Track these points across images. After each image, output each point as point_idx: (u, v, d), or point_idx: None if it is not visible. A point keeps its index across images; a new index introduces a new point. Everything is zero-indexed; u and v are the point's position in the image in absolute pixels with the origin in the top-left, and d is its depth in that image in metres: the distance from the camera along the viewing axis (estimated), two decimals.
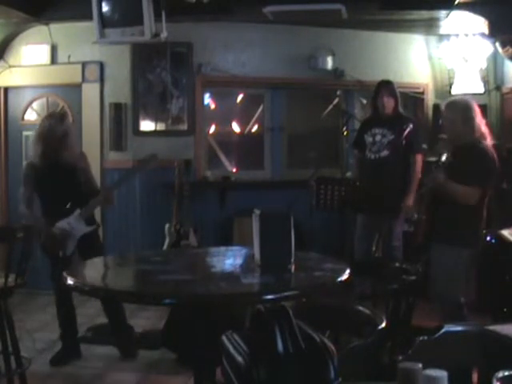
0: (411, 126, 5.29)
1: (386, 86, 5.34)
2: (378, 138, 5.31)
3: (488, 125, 4.05)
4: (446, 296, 3.95)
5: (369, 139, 5.36)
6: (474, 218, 3.96)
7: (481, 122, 3.97)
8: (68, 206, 4.29)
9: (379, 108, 5.35)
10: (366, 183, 5.25)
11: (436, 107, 6.35)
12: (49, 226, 4.25)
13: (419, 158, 5.25)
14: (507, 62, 6.14)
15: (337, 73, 6.54)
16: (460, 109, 3.99)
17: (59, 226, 4.25)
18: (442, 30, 6.36)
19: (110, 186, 4.95)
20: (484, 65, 6.51)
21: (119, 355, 4.53)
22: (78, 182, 4.37)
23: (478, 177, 3.86)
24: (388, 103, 5.29)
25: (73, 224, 4.26)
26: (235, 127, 6.88)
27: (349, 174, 6.11)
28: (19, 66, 6.41)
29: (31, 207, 4.36)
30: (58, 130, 4.29)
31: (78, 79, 6.33)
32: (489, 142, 4.00)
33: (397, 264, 3.35)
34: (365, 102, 6.53)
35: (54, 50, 6.35)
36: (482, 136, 3.96)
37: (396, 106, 5.34)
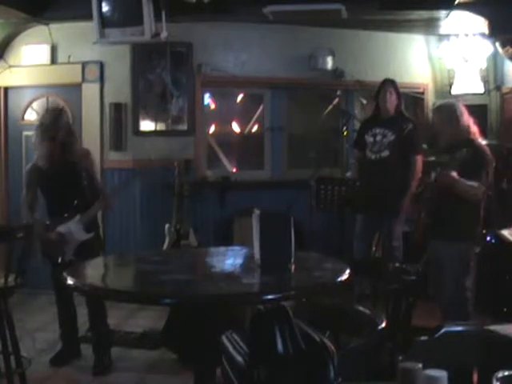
0: (411, 126, 5.29)
1: (390, 83, 5.33)
2: (379, 138, 5.30)
3: (477, 124, 4.10)
4: (451, 294, 3.96)
5: (369, 139, 5.35)
6: (474, 214, 4.02)
7: (469, 121, 4.03)
8: (71, 209, 4.23)
9: (381, 105, 5.33)
10: (366, 183, 5.25)
11: None
12: (47, 231, 4.19)
13: (419, 158, 5.24)
14: (507, 62, 6.14)
15: (337, 73, 6.53)
16: (446, 110, 4.13)
17: (59, 230, 4.21)
18: (442, 30, 6.36)
19: (110, 191, 4.91)
20: (484, 65, 6.51)
21: (119, 354, 4.53)
22: (81, 183, 4.30)
23: (482, 173, 3.93)
24: (391, 98, 5.26)
25: (72, 230, 4.20)
26: (235, 127, 6.87)
27: (349, 174, 6.11)
28: (19, 66, 6.41)
29: (33, 210, 4.32)
30: (60, 122, 4.22)
31: (78, 79, 6.33)
32: (481, 140, 4.08)
33: (397, 264, 3.35)
34: (365, 102, 6.53)
35: (54, 50, 6.35)
36: (475, 135, 4.03)
37: (398, 105, 5.33)
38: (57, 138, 4.19)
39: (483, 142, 4.11)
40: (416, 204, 4.44)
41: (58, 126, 4.21)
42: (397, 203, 5.13)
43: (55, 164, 4.23)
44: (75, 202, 4.26)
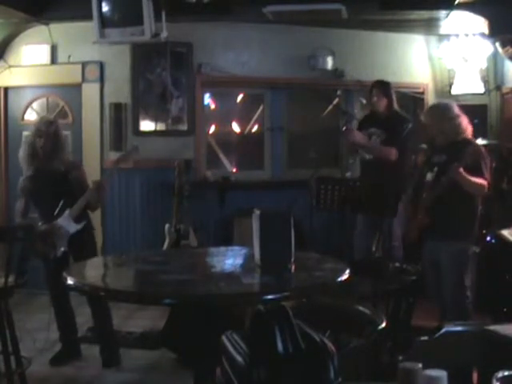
0: (409, 125, 5.30)
1: (377, 85, 5.38)
2: (374, 137, 5.34)
3: (476, 124, 4.12)
4: (451, 293, 3.97)
5: None
6: (471, 214, 4.06)
7: (464, 120, 4.04)
8: (59, 207, 4.26)
9: (372, 108, 5.43)
10: (364, 183, 5.25)
11: None
12: (37, 225, 4.24)
13: (418, 158, 5.25)
14: (507, 62, 6.14)
15: (337, 73, 6.53)
16: (440, 110, 4.16)
17: (52, 224, 4.24)
18: (442, 30, 6.36)
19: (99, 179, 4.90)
20: (484, 65, 6.50)
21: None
22: (70, 188, 4.33)
23: (483, 170, 3.95)
24: (378, 103, 5.35)
25: (62, 224, 4.24)
26: (235, 127, 6.87)
27: (349, 174, 6.11)
28: (19, 66, 6.40)
29: (26, 217, 4.37)
30: (48, 130, 4.30)
31: (78, 79, 6.33)
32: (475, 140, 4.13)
33: (397, 264, 3.35)
34: (365, 102, 6.53)
35: (54, 49, 6.34)
36: (469, 135, 4.04)
37: (389, 105, 5.36)
38: (43, 145, 4.28)
39: (480, 142, 4.14)
40: (410, 204, 4.46)
41: (46, 133, 4.29)
42: (394, 203, 5.13)
43: (41, 170, 4.30)
44: (63, 205, 4.28)
